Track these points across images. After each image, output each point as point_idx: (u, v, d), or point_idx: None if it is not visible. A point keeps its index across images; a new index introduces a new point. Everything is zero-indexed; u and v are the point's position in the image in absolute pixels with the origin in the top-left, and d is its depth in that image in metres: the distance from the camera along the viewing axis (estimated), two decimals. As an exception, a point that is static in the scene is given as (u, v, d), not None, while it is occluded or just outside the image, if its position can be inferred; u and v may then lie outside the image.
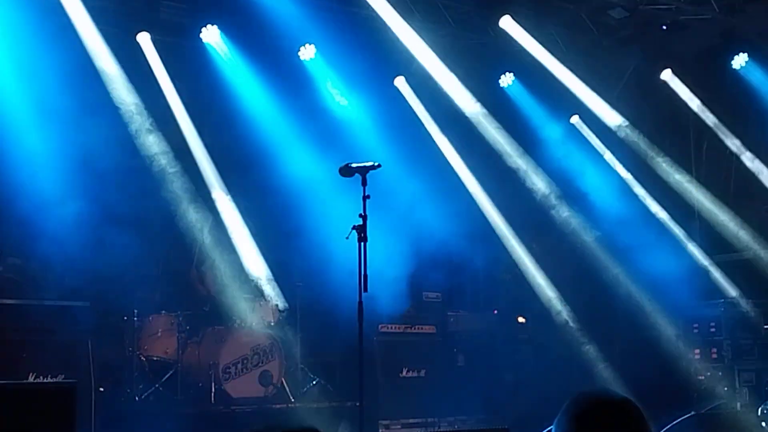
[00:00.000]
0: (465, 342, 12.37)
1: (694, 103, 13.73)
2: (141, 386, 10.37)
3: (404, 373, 11.75)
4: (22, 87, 10.16)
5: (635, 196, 13.84)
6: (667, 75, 13.83)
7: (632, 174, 13.91)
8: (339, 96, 12.48)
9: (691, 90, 13.74)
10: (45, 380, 8.92)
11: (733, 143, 13.46)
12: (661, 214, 13.74)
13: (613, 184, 13.76)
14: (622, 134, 13.75)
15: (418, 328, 12.10)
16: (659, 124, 13.81)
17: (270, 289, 11.38)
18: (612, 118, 13.71)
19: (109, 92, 10.91)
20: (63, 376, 8.98)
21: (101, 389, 9.77)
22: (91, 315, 9.92)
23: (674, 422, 7.63)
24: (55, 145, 10.03)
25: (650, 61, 13.65)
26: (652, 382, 10.75)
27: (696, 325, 12.36)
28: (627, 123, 13.73)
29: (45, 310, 9.64)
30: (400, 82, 13.34)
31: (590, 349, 12.86)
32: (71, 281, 9.93)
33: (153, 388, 10.41)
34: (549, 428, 7.00)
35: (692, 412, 8.05)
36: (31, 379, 8.85)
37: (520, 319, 13.25)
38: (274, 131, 11.96)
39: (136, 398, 10.28)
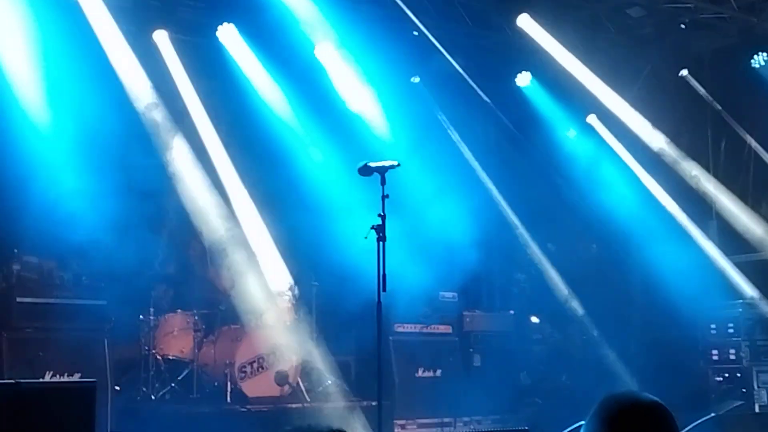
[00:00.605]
0: (481, 342, 12.33)
1: (712, 101, 13.64)
2: (157, 385, 10.38)
3: (420, 372, 11.72)
4: (39, 85, 10.16)
5: (651, 194, 13.76)
6: (685, 73, 13.75)
7: (649, 172, 13.83)
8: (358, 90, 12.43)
9: (709, 89, 13.66)
10: (62, 378, 8.92)
11: (752, 142, 13.38)
12: (678, 213, 13.66)
13: (629, 182, 13.69)
14: (639, 133, 13.68)
15: (434, 328, 12.07)
16: (677, 122, 13.73)
17: (286, 289, 11.35)
18: (629, 116, 13.64)
19: (126, 90, 10.90)
20: (80, 374, 8.99)
21: (117, 388, 9.78)
22: (108, 314, 9.93)
23: (694, 424, 7.58)
24: (73, 144, 10.03)
25: (668, 59, 13.58)
26: (669, 383, 10.67)
27: (713, 326, 12.28)
28: (644, 121, 13.66)
29: (61, 308, 9.66)
30: (418, 81, 13.29)
31: (606, 350, 12.81)
32: (88, 280, 9.94)
33: (169, 387, 10.41)
34: (573, 427, 6.95)
35: (712, 414, 8.01)
36: (48, 377, 8.86)
37: (534, 319, 13.21)
38: (292, 130, 11.94)
39: (152, 397, 10.29)
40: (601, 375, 12.36)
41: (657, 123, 13.67)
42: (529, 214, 13.43)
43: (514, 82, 13.78)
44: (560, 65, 13.13)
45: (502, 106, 13.35)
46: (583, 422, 2.78)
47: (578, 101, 13.55)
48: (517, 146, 13.58)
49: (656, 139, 13.70)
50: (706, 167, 13.77)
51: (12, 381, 6.17)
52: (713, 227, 13.65)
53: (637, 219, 13.26)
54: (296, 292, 11.34)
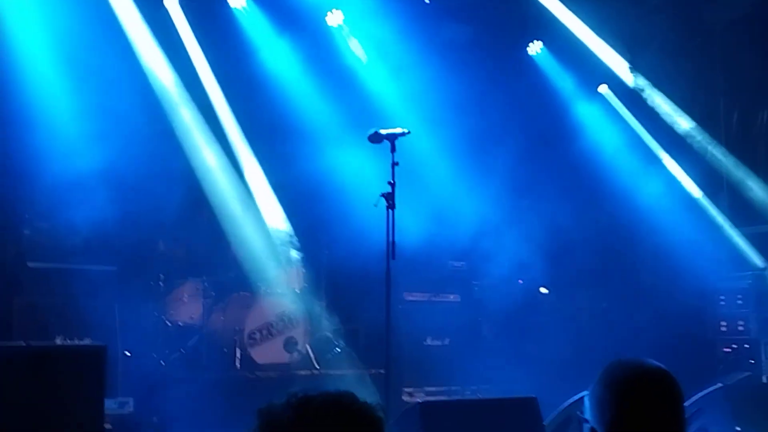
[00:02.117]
0: (489, 311, 12.34)
1: (725, 71, 13.55)
2: (166, 351, 10.43)
3: (428, 341, 11.75)
4: (49, 52, 10.15)
5: (662, 164, 13.72)
6: (698, 43, 13.65)
7: (659, 142, 13.78)
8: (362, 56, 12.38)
9: (722, 59, 13.56)
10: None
11: (765, 113, 13.30)
12: (689, 183, 13.62)
13: (639, 152, 13.65)
14: (650, 102, 13.62)
15: (443, 297, 12.08)
16: (689, 92, 13.65)
17: (296, 256, 11.38)
18: (641, 86, 13.57)
19: (137, 56, 10.88)
20: (89, 339, 9.04)
21: (127, 353, 9.83)
22: (118, 279, 9.98)
23: (701, 394, 7.59)
24: (82, 111, 10.03)
25: (681, 28, 13.47)
26: (677, 353, 10.67)
27: (722, 297, 12.27)
28: (656, 91, 13.58)
29: (72, 274, 9.71)
30: (429, 50, 13.21)
31: (614, 320, 12.81)
32: (98, 246, 9.98)
33: (178, 353, 10.46)
34: (579, 395, 6.97)
35: (719, 384, 8.02)
36: (58, 342, 8.91)
37: (543, 290, 13.21)
38: (302, 97, 11.91)
39: (162, 363, 10.34)
40: (609, 345, 12.36)
41: (668, 93, 13.60)
42: (539, 183, 13.39)
43: (526, 51, 13.71)
44: (572, 33, 13.05)
45: (514, 75, 13.28)
46: (587, 392, 2.79)
47: (589, 71, 13.48)
48: (527, 114, 13.52)
49: (667, 110, 13.64)
50: (718, 138, 13.70)
51: (23, 343, 6.22)
52: (724, 198, 13.61)
53: (646, 190, 13.22)
54: (305, 259, 11.36)
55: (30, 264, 9.58)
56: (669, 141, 13.67)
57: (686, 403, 2.82)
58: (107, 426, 7.92)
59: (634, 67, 13.56)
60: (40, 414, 5.67)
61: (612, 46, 13.30)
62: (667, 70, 13.50)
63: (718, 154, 13.56)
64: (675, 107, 13.64)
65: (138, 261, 10.45)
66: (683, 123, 13.65)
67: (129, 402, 9.49)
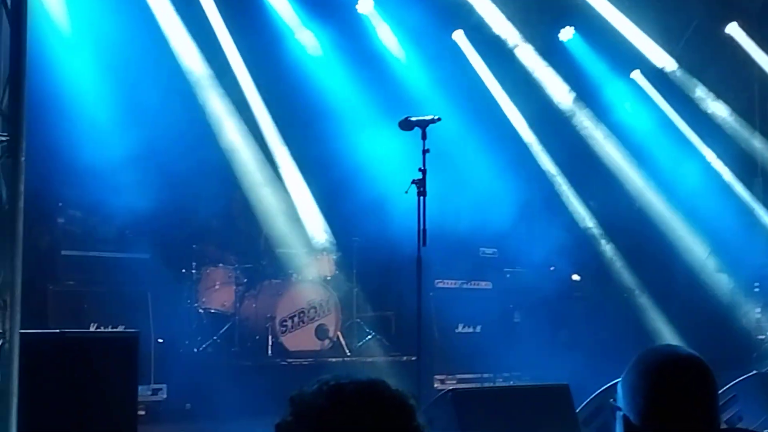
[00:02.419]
0: (521, 298, 12.30)
1: (759, 57, 13.41)
2: (199, 338, 10.48)
3: (460, 328, 11.73)
4: (83, 41, 10.20)
5: (697, 151, 13.60)
6: (732, 28, 13.52)
7: (693, 129, 13.66)
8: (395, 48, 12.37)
9: (758, 44, 13.42)
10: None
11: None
12: (724, 170, 13.51)
13: (673, 139, 13.54)
14: (683, 88, 13.50)
15: (474, 284, 12.06)
16: (723, 78, 13.52)
17: (327, 243, 11.40)
18: (674, 72, 13.45)
19: (169, 44, 10.91)
20: (123, 326, 9.11)
21: (160, 341, 9.89)
22: (151, 267, 10.04)
23: (736, 381, 7.53)
24: (116, 100, 10.09)
25: (715, 14, 13.34)
26: (711, 340, 10.63)
27: (757, 284, 12.19)
28: (689, 76, 13.46)
29: (105, 261, 9.78)
30: (459, 36, 13.18)
31: (647, 308, 12.75)
32: (131, 234, 10.04)
33: (211, 341, 10.52)
34: (612, 383, 6.94)
35: (754, 372, 7.95)
36: (92, 329, 8.99)
37: (575, 277, 13.15)
38: (333, 85, 11.91)
39: (194, 350, 10.40)
40: (642, 332, 12.31)
41: (703, 79, 13.47)
42: (572, 170, 13.33)
43: (557, 37, 13.61)
44: (604, 19, 12.96)
45: (546, 61, 13.21)
46: (620, 379, 2.77)
47: (622, 57, 13.37)
48: (560, 102, 13.44)
49: (702, 95, 13.52)
50: (753, 124, 13.57)
51: (57, 330, 6.28)
52: (759, 184, 13.49)
53: (681, 176, 13.13)
54: (337, 246, 11.38)
55: (64, 252, 9.66)
56: (703, 127, 13.55)
57: (720, 391, 2.80)
58: (141, 412, 7.99)
59: (668, 53, 13.44)
60: (75, 400, 5.72)
61: (645, 31, 13.18)
62: (701, 55, 13.38)
63: (753, 140, 13.44)
64: (709, 93, 13.51)
65: (170, 249, 10.51)
66: (718, 109, 13.53)
67: (162, 389, 9.56)
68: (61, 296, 9.44)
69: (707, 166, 13.54)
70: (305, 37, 12.06)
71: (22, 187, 5.17)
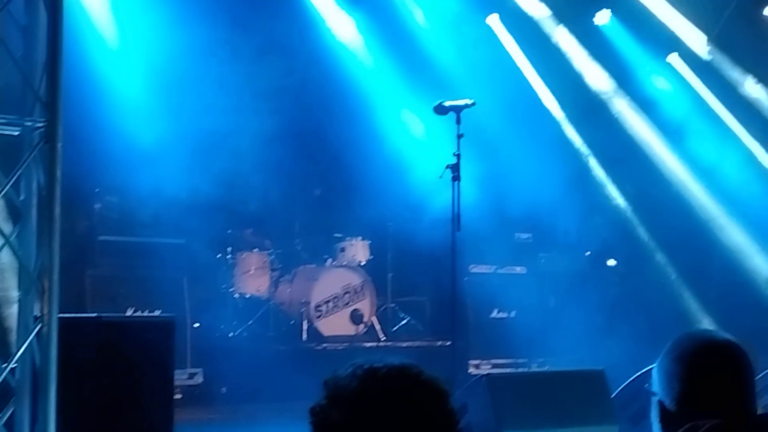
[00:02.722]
0: (556, 283, 12.26)
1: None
2: (234, 323, 10.56)
3: (494, 313, 11.71)
4: (117, 27, 10.25)
5: (734, 134, 13.45)
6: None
7: (731, 112, 13.50)
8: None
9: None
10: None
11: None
12: (762, 154, 13.35)
13: (712, 123, 13.40)
14: (721, 71, 13.34)
15: (509, 269, 12.03)
16: (762, 60, 13.34)
17: (360, 228, 11.40)
18: (712, 54, 13.30)
19: (203, 29, 10.91)
20: (159, 311, 9.19)
21: (196, 325, 9.97)
22: (187, 252, 10.12)
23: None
24: (152, 86, 10.14)
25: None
26: (748, 326, 10.52)
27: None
28: (728, 59, 13.30)
29: (142, 246, 9.87)
30: (494, 20, 13.10)
31: (684, 293, 12.66)
32: (167, 219, 10.11)
33: (246, 325, 10.59)
34: (648, 368, 6.91)
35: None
36: (129, 313, 9.07)
37: (611, 262, 13.08)
38: (367, 69, 11.89)
39: (230, 334, 10.48)
40: (679, 318, 12.23)
41: (741, 62, 13.31)
42: (607, 154, 13.23)
43: (593, 21, 13.48)
44: (640, 2, 12.83)
45: (582, 45, 13.10)
46: (655, 365, 2.75)
47: (659, 40, 13.23)
48: (595, 86, 13.34)
49: (739, 79, 13.36)
50: (792, 106, 13.39)
51: (94, 315, 6.34)
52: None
53: (718, 160, 13.00)
54: (371, 232, 11.39)
55: (101, 237, 9.75)
56: (742, 110, 13.40)
57: (758, 376, 2.78)
58: (177, 396, 8.05)
59: (706, 35, 13.28)
60: (112, 384, 5.78)
61: (682, 12, 13.03)
62: (740, 38, 13.21)
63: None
64: (748, 76, 13.35)
65: (206, 234, 10.58)
66: (757, 92, 13.36)
67: (198, 373, 9.64)
68: (98, 281, 9.54)
69: (746, 149, 13.39)
70: (340, 22, 12.04)
71: (59, 173, 5.21)
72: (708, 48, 13.31)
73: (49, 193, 5.19)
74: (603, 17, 13.48)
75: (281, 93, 11.50)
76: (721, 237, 12.96)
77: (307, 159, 11.39)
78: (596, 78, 13.27)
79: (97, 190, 10.00)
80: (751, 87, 13.38)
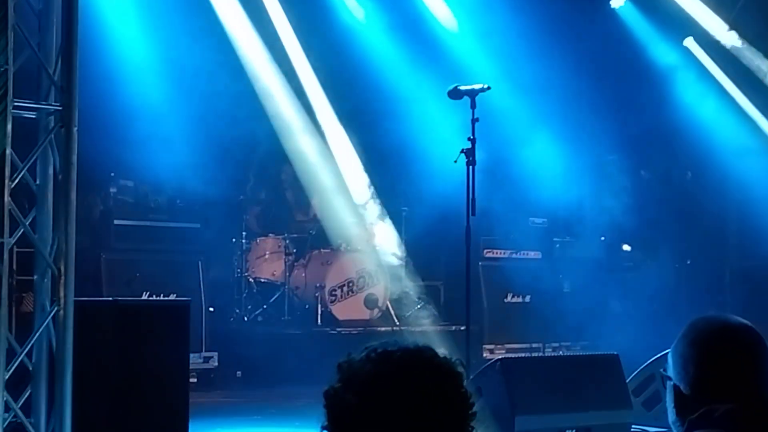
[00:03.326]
0: (571, 268, 12.24)
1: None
2: (249, 307, 10.60)
3: (509, 298, 11.71)
4: (135, 15, 10.25)
5: (752, 119, 13.36)
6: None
7: (749, 98, 13.41)
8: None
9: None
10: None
11: None
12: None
13: (729, 110, 13.31)
14: (740, 56, 13.24)
15: (524, 254, 12.01)
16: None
17: (376, 213, 11.41)
18: (729, 39, 13.19)
19: (219, 17, 10.92)
20: (175, 295, 9.22)
21: (211, 309, 10.01)
22: (201, 236, 10.15)
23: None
24: (167, 71, 10.15)
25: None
26: (763, 311, 10.50)
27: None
28: (746, 44, 13.20)
29: (157, 231, 9.90)
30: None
31: (699, 278, 12.63)
32: (182, 203, 10.14)
33: (261, 309, 10.62)
34: (663, 353, 6.90)
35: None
36: (144, 297, 9.11)
37: (626, 247, 13.05)
38: (382, 54, 11.86)
39: (245, 318, 10.51)
40: (693, 303, 12.20)
41: (758, 46, 13.20)
42: (623, 139, 13.18)
43: (608, 4, 13.40)
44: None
45: (596, 29, 13.03)
46: (670, 349, 2.74)
47: (675, 23, 13.14)
48: (609, 70, 13.27)
49: (757, 62, 13.26)
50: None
51: (110, 299, 6.37)
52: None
53: (734, 146, 12.93)
54: (386, 216, 11.40)
55: (116, 221, 9.79)
56: (760, 95, 13.30)
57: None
58: (192, 379, 8.10)
59: (723, 19, 13.17)
60: (128, 367, 5.82)
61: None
62: (757, 21, 13.11)
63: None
64: (765, 60, 13.25)
65: (221, 218, 10.60)
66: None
67: (213, 356, 9.68)
68: (114, 265, 9.58)
69: (762, 134, 13.30)
70: (355, 6, 12.01)
71: (74, 158, 5.23)
72: (725, 32, 13.21)
73: (65, 177, 5.21)
74: (618, 1, 13.39)
75: (294, 79, 11.50)
76: (736, 221, 12.90)
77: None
78: (612, 61, 13.18)
79: (112, 174, 10.03)
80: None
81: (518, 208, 11.71)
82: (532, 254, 12.07)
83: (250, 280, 10.72)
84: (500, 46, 12.12)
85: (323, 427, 2.14)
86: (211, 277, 10.19)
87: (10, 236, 5.02)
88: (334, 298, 10.68)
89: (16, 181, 5.10)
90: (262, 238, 10.94)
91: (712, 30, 13.21)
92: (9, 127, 5.03)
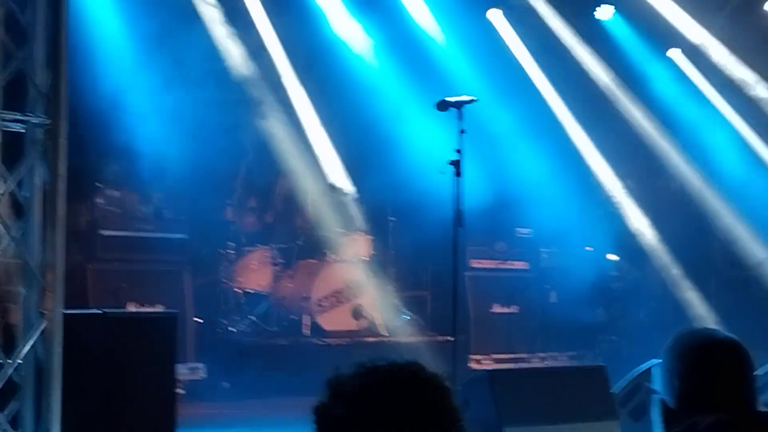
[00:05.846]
0: (557, 278, 12.27)
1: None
2: (236, 318, 10.57)
3: (495, 308, 11.73)
4: (121, 24, 10.24)
5: (735, 130, 13.44)
6: (770, 7, 13.31)
7: (733, 108, 13.49)
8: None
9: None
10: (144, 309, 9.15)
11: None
12: (763, 150, 13.35)
13: (714, 119, 13.38)
14: (725, 68, 13.32)
15: (510, 264, 12.04)
16: (764, 56, 13.32)
17: (363, 223, 11.41)
18: (714, 50, 13.27)
19: (206, 25, 10.91)
20: (161, 305, 9.21)
21: (198, 320, 9.99)
22: (188, 247, 10.13)
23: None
24: (155, 83, 10.13)
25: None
26: (750, 321, 10.53)
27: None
28: (731, 55, 13.27)
29: (144, 241, 9.89)
30: (495, 15, 13.06)
31: (685, 288, 12.67)
32: (169, 214, 10.13)
33: (247, 320, 10.60)
34: (648, 364, 6.93)
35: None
36: (131, 308, 9.08)
37: (612, 257, 13.10)
38: (368, 64, 11.87)
39: (232, 330, 10.49)
40: (680, 313, 12.25)
41: (743, 58, 13.28)
42: (608, 149, 13.23)
43: (594, 15, 13.44)
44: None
45: (583, 40, 13.09)
46: (656, 360, 2.77)
47: (660, 35, 13.20)
48: (596, 79, 13.32)
49: (741, 74, 13.34)
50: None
51: (99, 311, 6.36)
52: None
53: (720, 155, 13.00)
54: (373, 227, 11.40)
55: (103, 232, 9.77)
56: (744, 106, 13.38)
57: (760, 372, 2.79)
58: (180, 391, 8.08)
59: (707, 30, 13.25)
60: (115, 379, 5.81)
61: (683, 7, 13.00)
62: (741, 34, 13.19)
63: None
64: (749, 71, 13.33)
65: (208, 229, 10.59)
66: (758, 90, 13.35)
67: (201, 368, 9.66)
68: (100, 275, 9.56)
69: (746, 144, 13.38)
70: (341, 17, 12.02)
71: (63, 170, 5.23)
72: (709, 43, 13.29)
73: (53, 189, 5.21)
74: (605, 12, 13.45)
75: (279, 87, 11.51)
76: (722, 231, 12.95)
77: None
78: (598, 73, 13.24)
79: (99, 185, 10.01)
80: (753, 82, 13.36)
81: (505, 219, 11.74)
82: (518, 264, 12.10)
83: (237, 290, 10.71)
84: (487, 57, 12.17)
85: (313, 441, 2.15)
86: (198, 287, 10.18)
87: (-2, 248, 5.02)
88: (321, 308, 10.67)
89: (3, 192, 5.09)
90: (249, 248, 10.93)
91: (697, 41, 13.28)
92: (-2, 139, 5.03)
